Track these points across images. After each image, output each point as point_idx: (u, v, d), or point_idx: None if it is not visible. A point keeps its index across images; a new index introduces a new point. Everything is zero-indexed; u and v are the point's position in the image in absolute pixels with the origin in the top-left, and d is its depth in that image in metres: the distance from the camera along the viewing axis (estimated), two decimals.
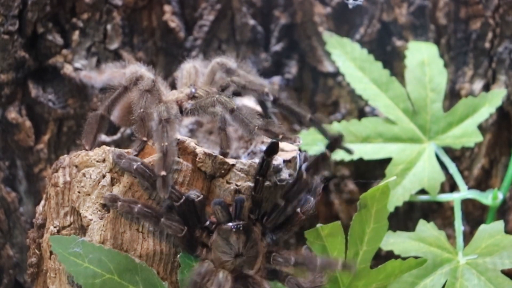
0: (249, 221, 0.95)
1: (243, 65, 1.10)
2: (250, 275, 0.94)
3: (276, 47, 1.27)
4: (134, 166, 0.93)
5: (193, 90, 1.04)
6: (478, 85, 1.25)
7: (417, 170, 1.15)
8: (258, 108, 1.16)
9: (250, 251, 0.95)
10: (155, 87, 1.01)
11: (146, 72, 1.06)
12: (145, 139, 0.98)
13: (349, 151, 1.01)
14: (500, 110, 1.23)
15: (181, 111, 1.04)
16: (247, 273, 0.95)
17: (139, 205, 0.93)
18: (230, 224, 0.94)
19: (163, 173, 0.91)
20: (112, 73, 1.13)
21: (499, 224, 1.07)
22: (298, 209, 0.97)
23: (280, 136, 0.94)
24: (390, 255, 1.06)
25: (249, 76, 1.08)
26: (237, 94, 1.08)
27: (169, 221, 0.92)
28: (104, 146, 0.99)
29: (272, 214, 0.95)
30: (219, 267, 0.94)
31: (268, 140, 1.09)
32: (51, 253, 0.99)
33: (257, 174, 0.95)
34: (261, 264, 0.95)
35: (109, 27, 1.22)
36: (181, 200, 0.92)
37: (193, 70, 1.10)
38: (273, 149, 0.94)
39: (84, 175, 0.98)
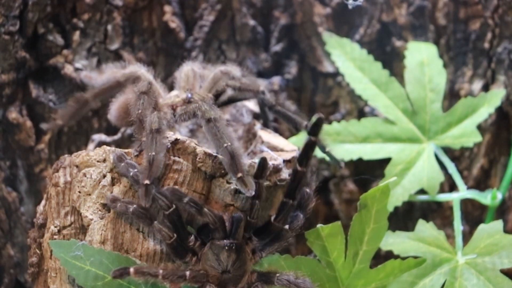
0: (243, 240, 0.96)
1: (248, 73, 1.10)
2: None
3: (276, 48, 1.28)
4: (131, 173, 0.94)
5: (189, 95, 1.05)
6: (477, 85, 1.25)
7: (416, 170, 1.15)
8: (258, 109, 1.16)
9: (238, 270, 0.95)
10: (152, 89, 1.01)
11: (145, 73, 1.06)
12: (144, 139, 0.98)
13: (337, 162, 1.02)
14: (499, 110, 1.23)
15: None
16: None
17: (134, 206, 0.93)
18: (224, 241, 0.95)
19: (147, 181, 0.92)
20: (112, 73, 1.13)
21: (498, 224, 1.07)
22: (287, 226, 0.97)
23: (238, 175, 0.93)
24: (389, 255, 1.06)
25: (251, 86, 1.08)
26: (234, 100, 1.09)
27: (160, 225, 0.93)
28: (104, 146, 0.99)
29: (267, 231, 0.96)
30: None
31: (266, 140, 1.10)
32: (51, 252, 0.99)
33: (253, 197, 0.95)
34: (245, 283, 0.96)
35: (109, 27, 1.22)
36: (171, 209, 0.92)
37: (191, 74, 1.10)
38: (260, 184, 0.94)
39: (84, 175, 0.98)
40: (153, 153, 0.93)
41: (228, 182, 0.99)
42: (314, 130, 0.94)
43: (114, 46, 1.23)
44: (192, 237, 0.95)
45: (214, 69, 1.09)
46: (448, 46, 1.25)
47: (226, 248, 0.94)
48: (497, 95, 1.18)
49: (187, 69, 1.10)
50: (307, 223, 0.99)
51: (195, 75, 1.09)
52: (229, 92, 1.08)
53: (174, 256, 0.95)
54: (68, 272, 0.95)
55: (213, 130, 0.95)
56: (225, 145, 0.94)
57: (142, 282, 0.94)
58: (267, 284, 0.96)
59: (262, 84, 1.07)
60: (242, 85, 1.05)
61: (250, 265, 0.96)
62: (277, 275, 0.95)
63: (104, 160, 0.98)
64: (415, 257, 1.03)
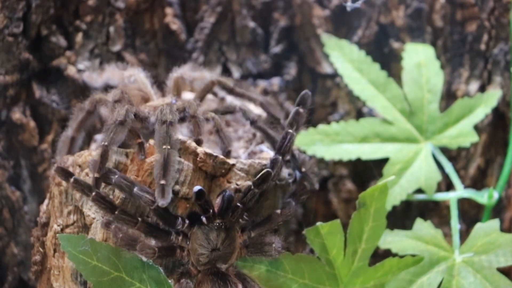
0: (231, 219, 0.96)
1: (241, 83, 1.11)
2: (229, 274, 0.96)
3: (276, 49, 1.28)
4: (113, 180, 0.94)
5: (174, 100, 1.06)
6: (474, 86, 1.25)
7: (414, 169, 1.15)
8: (257, 111, 1.17)
9: (227, 248, 0.95)
10: (125, 97, 1.01)
11: (142, 77, 1.08)
12: (140, 140, 0.99)
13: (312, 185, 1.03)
14: (496, 110, 1.23)
15: None
16: (220, 267, 0.96)
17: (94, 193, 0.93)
18: (214, 222, 0.95)
19: (96, 175, 0.92)
20: (112, 73, 1.15)
21: (495, 223, 1.07)
22: (278, 211, 0.98)
23: (162, 181, 0.90)
24: (387, 254, 1.06)
25: (247, 93, 1.10)
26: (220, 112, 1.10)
27: (121, 215, 0.93)
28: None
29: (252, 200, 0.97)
30: (194, 258, 0.95)
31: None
32: (54, 251, 1.00)
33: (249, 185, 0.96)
34: (235, 260, 0.97)
35: (111, 29, 1.23)
36: (156, 204, 0.91)
37: (181, 81, 1.11)
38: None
39: (87, 174, 0.98)
40: (106, 143, 0.93)
41: (228, 182, 0.99)
42: (301, 102, 0.96)
43: (116, 47, 1.24)
44: (180, 220, 0.94)
45: (208, 74, 1.11)
46: (445, 47, 1.26)
47: (216, 227, 0.94)
48: (493, 95, 1.18)
49: (176, 76, 1.11)
50: (306, 221, 1.00)
51: (184, 81, 1.11)
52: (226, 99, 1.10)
53: (154, 238, 0.95)
54: (76, 267, 0.94)
55: (162, 132, 0.93)
56: (164, 147, 0.92)
57: (147, 279, 0.94)
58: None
59: (261, 84, 1.07)
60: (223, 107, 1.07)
61: (239, 242, 0.97)
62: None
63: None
64: (413, 256, 1.03)
